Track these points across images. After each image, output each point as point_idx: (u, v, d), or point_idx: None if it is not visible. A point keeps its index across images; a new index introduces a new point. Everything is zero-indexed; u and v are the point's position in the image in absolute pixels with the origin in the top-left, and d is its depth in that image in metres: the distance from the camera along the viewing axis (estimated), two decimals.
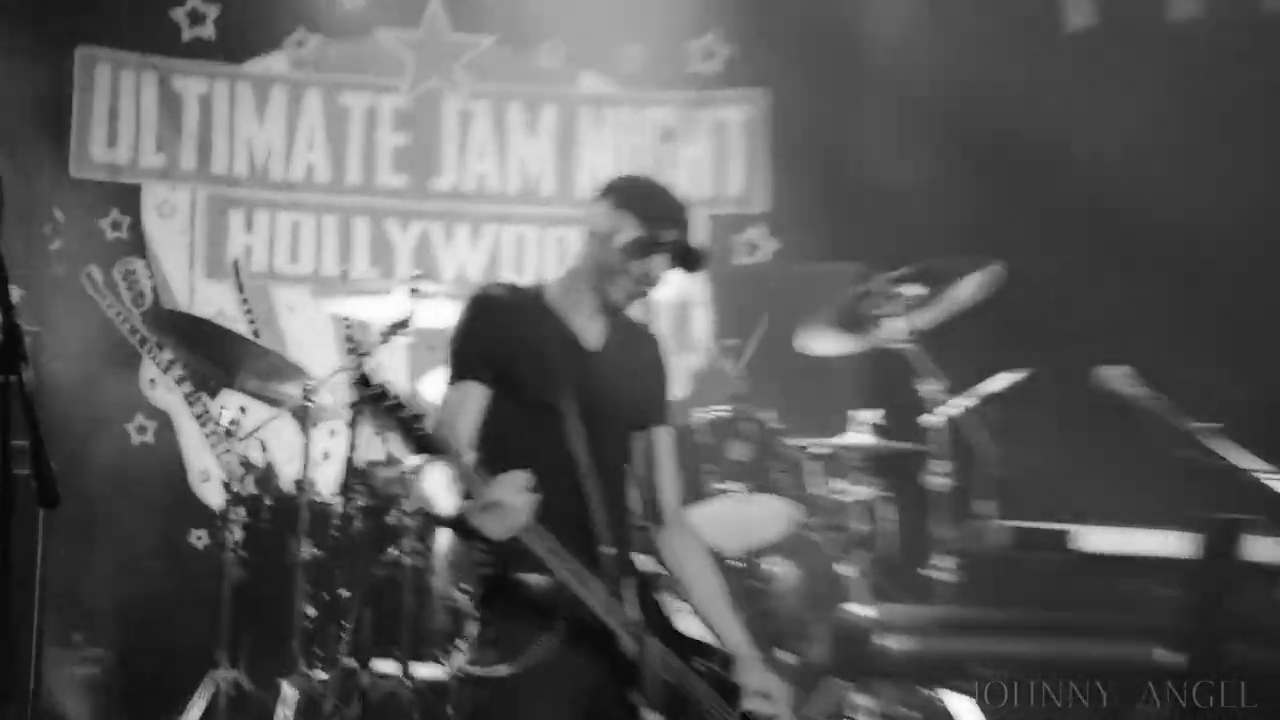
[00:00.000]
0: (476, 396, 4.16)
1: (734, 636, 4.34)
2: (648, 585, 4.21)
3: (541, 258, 8.84)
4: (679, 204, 4.28)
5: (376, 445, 6.94)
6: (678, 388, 7.44)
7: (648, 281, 4.25)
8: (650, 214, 4.22)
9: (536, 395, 4.16)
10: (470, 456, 3.88)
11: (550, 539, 3.94)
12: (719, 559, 6.07)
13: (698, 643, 4.29)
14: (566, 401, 4.16)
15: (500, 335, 4.19)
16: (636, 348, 4.40)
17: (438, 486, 3.96)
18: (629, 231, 4.22)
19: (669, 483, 4.44)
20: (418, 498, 6.72)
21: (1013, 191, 7.91)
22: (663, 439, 4.43)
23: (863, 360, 7.57)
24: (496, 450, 4.12)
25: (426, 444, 3.73)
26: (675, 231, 4.17)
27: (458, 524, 3.89)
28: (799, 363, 7.30)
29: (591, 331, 4.32)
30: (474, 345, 4.20)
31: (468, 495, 3.83)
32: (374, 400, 3.69)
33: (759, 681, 4.27)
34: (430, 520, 4.05)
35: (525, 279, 8.63)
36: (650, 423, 4.40)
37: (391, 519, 6.62)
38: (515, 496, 3.81)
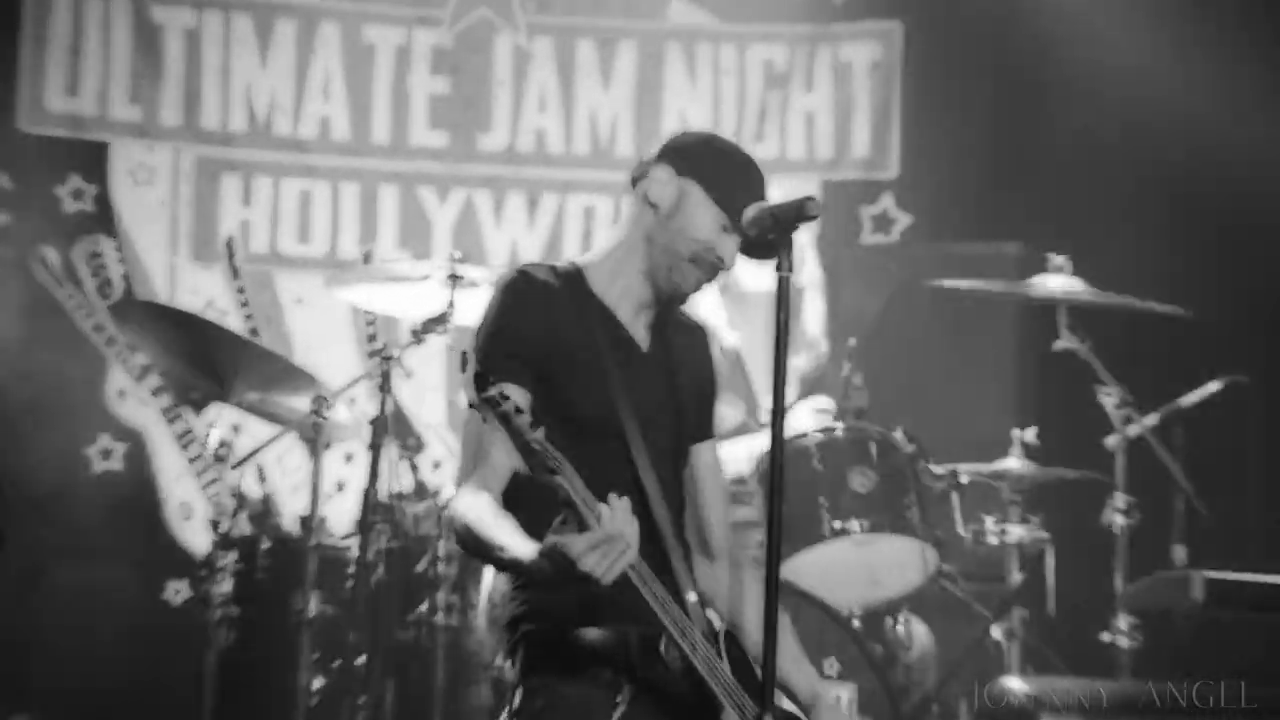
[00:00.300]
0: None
1: (806, 679, 4.36)
2: (735, 641, 4.20)
3: None
4: (758, 172, 4.26)
5: (404, 474, 6.94)
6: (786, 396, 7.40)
7: (717, 269, 4.24)
8: (724, 184, 4.21)
9: (588, 408, 4.16)
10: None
11: (656, 582, 3.94)
12: (833, 616, 6.08)
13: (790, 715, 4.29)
14: (626, 415, 4.15)
15: (539, 332, 4.18)
16: (688, 346, 4.43)
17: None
18: (698, 206, 4.21)
19: (719, 508, 4.47)
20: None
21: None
22: (710, 456, 4.47)
23: (1022, 365, 7.50)
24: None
25: (539, 458, 3.73)
26: (754, 208, 4.14)
27: (548, 561, 3.82)
28: (937, 368, 7.24)
29: (640, 327, 4.33)
30: (506, 344, 4.18)
31: (569, 525, 3.79)
32: (490, 404, 3.70)
33: None
34: (499, 562, 3.99)
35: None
36: (698, 437, 4.43)
37: (422, 567, 6.61)
38: (629, 527, 3.80)
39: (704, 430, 4.44)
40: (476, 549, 4.04)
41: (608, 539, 3.73)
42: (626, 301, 4.30)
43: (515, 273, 4.28)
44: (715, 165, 4.24)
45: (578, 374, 4.17)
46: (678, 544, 4.17)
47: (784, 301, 3.92)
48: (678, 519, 4.25)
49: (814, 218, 3.96)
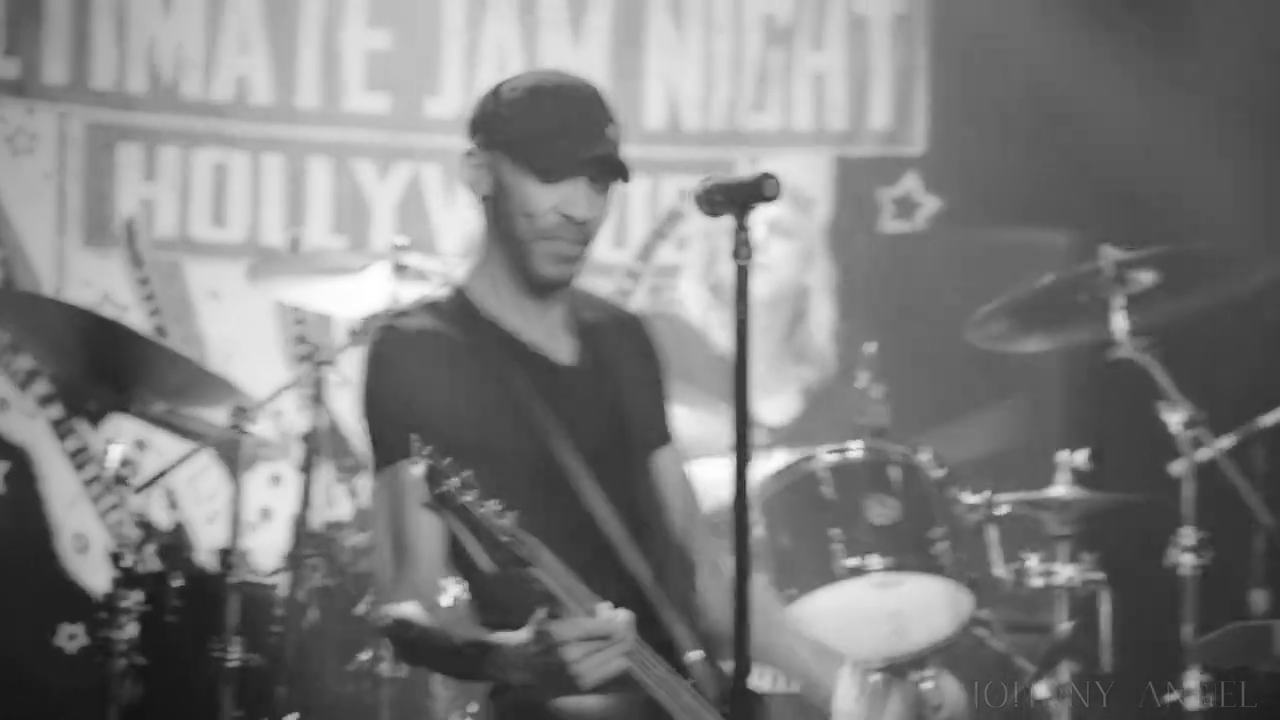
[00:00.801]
0: (419, 483, 4.10)
1: (817, 668, 4.56)
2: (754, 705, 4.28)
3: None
4: (572, 94, 4.32)
5: (341, 499, 7.01)
6: (785, 409, 7.49)
7: (578, 229, 4.27)
8: (528, 137, 4.25)
9: (515, 458, 4.22)
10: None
11: (659, 664, 4.04)
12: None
13: None
14: (560, 449, 4.23)
15: (427, 391, 4.24)
16: (619, 344, 4.50)
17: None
18: (513, 176, 4.26)
19: (691, 514, 4.57)
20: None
21: None
22: (671, 460, 4.56)
23: (1075, 377, 7.57)
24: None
25: (507, 551, 3.82)
26: (702, 183, 4.13)
27: (534, 645, 3.91)
28: (972, 380, 7.31)
29: (551, 336, 4.37)
30: (402, 413, 4.22)
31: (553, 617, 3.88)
32: (446, 502, 3.79)
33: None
34: (464, 661, 4.05)
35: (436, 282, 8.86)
36: (654, 443, 4.52)
37: (362, 608, 6.66)
38: (628, 632, 3.89)
39: (659, 434, 4.53)
40: (429, 654, 4.15)
41: (601, 634, 3.83)
42: (518, 314, 4.34)
43: (378, 331, 4.32)
44: (510, 120, 4.28)
45: (492, 422, 4.24)
46: (664, 591, 4.26)
47: (742, 295, 3.95)
48: (660, 562, 4.31)
49: (772, 199, 3.98)
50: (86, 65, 8.69)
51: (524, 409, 4.25)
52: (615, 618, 3.85)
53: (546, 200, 4.24)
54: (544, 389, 4.29)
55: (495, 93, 4.38)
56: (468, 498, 3.76)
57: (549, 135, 4.23)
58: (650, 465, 4.50)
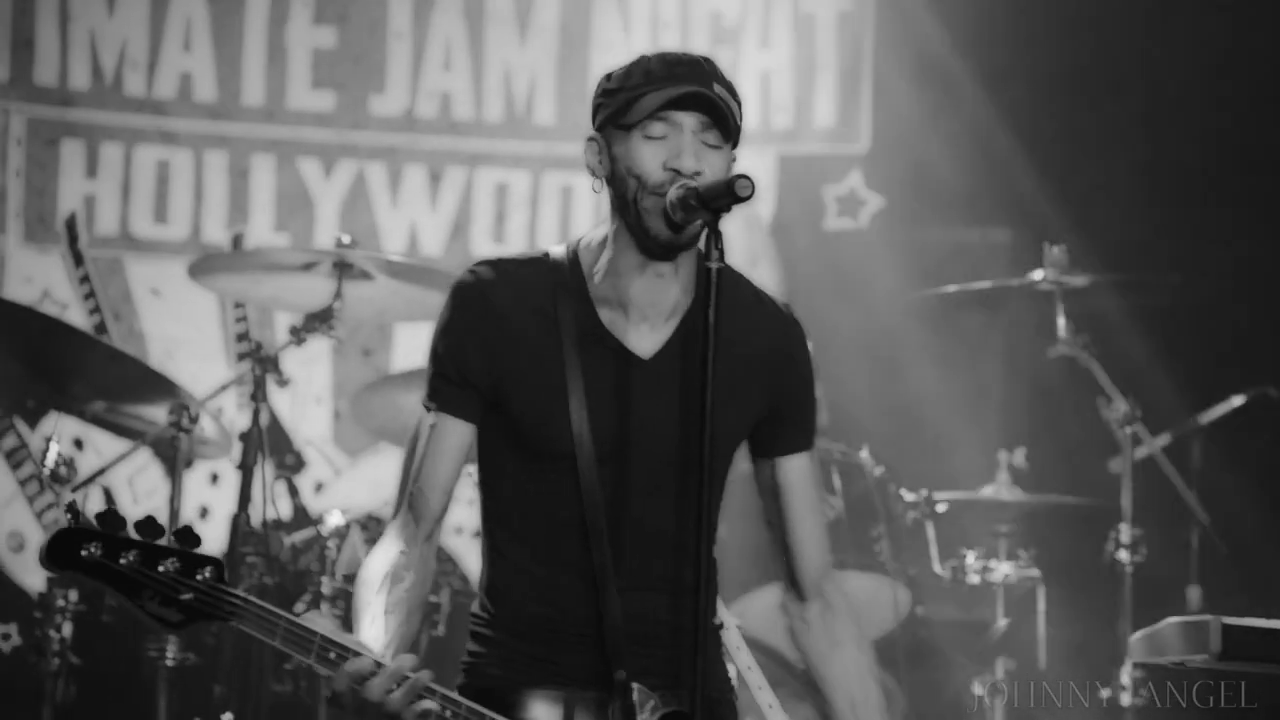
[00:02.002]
0: (454, 435, 4.23)
1: None
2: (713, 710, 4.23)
3: (535, 216, 8.90)
4: (683, 57, 4.19)
5: (281, 497, 7.00)
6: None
7: (684, 179, 4.12)
8: (633, 88, 4.15)
9: (538, 435, 4.21)
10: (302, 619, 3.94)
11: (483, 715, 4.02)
12: (787, 666, 6.16)
13: None
14: (581, 444, 4.21)
15: (491, 347, 4.22)
16: (749, 346, 4.34)
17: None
18: (619, 144, 4.16)
19: (812, 533, 4.46)
20: (347, 566, 6.79)
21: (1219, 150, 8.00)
22: (797, 471, 4.43)
23: (1011, 374, 7.59)
24: (496, 511, 4.25)
25: (202, 609, 3.80)
26: (675, 189, 4.11)
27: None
28: (913, 379, 7.33)
29: (640, 324, 4.30)
30: (449, 365, 4.24)
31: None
32: (91, 569, 3.74)
33: None
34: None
35: (501, 251, 8.85)
36: (778, 450, 4.43)
37: (302, 607, 6.66)
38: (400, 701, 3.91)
39: (787, 443, 4.41)
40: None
41: (340, 696, 3.83)
42: (614, 294, 4.24)
43: (466, 273, 4.28)
44: (616, 89, 4.18)
45: (537, 394, 4.20)
46: (642, 601, 4.18)
47: (712, 297, 3.98)
48: (654, 569, 4.22)
49: (746, 199, 3.94)
50: (28, 61, 8.67)
51: (564, 387, 4.19)
52: (392, 679, 3.85)
53: (653, 156, 4.14)
54: (599, 375, 4.23)
55: (601, 79, 4.30)
56: (124, 560, 3.73)
57: (643, 88, 4.15)
58: (778, 469, 4.41)
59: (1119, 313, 7.24)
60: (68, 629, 6.66)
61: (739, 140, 4.20)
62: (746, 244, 7.30)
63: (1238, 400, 7.13)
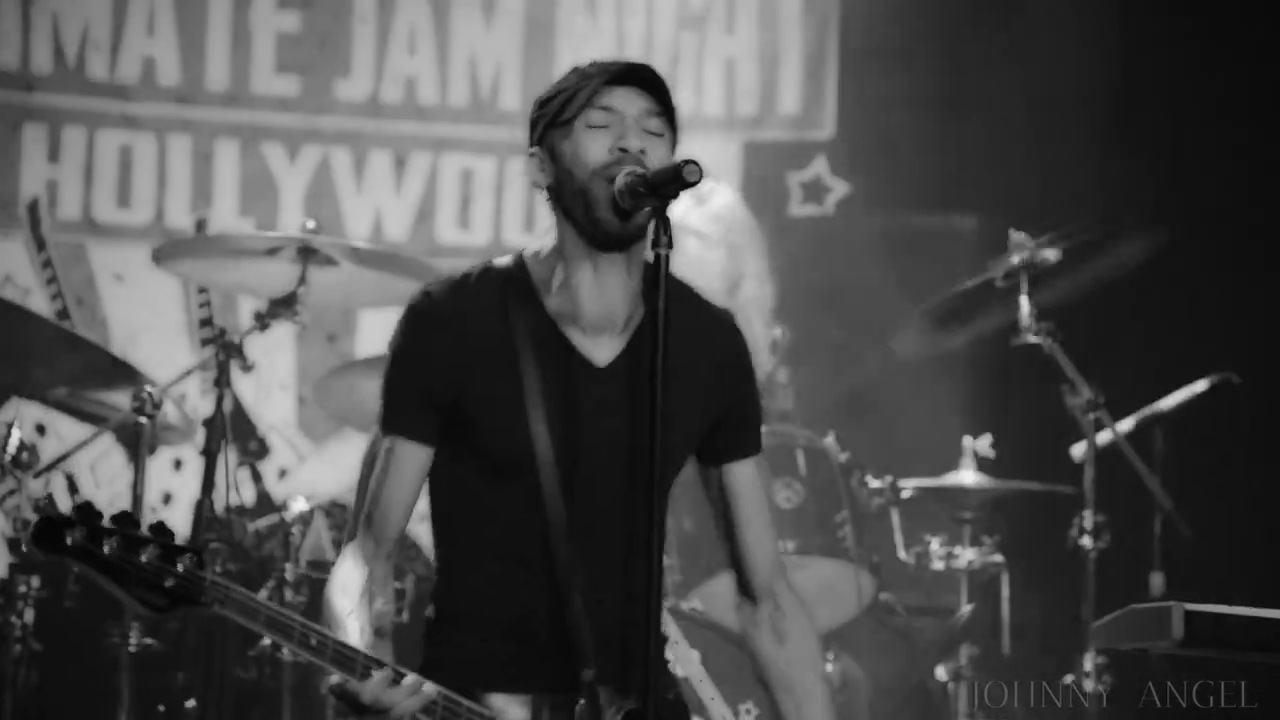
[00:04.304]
0: (411, 459, 4.26)
1: None
2: (668, 710, 4.28)
3: (500, 202, 8.91)
4: (603, 60, 4.27)
5: (245, 484, 6.99)
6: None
7: (630, 161, 4.15)
8: (571, 87, 4.22)
9: (495, 446, 4.24)
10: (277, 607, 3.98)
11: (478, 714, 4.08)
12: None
13: None
14: (541, 452, 4.22)
15: (445, 370, 4.24)
16: (696, 351, 4.34)
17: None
18: (563, 141, 4.21)
19: (760, 538, 4.50)
20: (311, 552, 6.79)
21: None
22: (743, 476, 4.48)
23: (979, 363, 7.60)
24: (453, 521, 4.30)
25: (185, 594, 3.83)
26: (624, 175, 4.08)
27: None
28: (879, 364, 7.34)
29: (595, 332, 4.31)
30: (407, 391, 4.28)
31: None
32: (77, 554, 3.74)
33: None
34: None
35: (466, 237, 8.86)
36: (724, 456, 4.46)
37: (265, 593, 6.62)
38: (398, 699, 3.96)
39: (736, 448, 4.45)
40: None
41: (356, 695, 3.90)
42: (568, 303, 4.26)
43: (418, 296, 4.30)
44: (554, 94, 4.24)
45: (493, 409, 4.23)
46: (600, 604, 4.22)
47: (663, 283, 3.99)
48: (616, 575, 4.24)
49: (694, 184, 3.97)
50: None
51: (521, 403, 4.22)
52: (385, 681, 3.93)
53: (598, 141, 4.18)
54: (557, 384, 4.25)
55: (539, 96, 4.35)
56: (107, 547, 3.74)
57: (584, 79, 4.20)
58: (725, 475, 4.45)
59: (1082, 298, 7.22)
60: (30, 615, 6.64)
61: (678, 136, 4.24)
62: (750, 226, 7.29)
63: (1201, 386, 7.15)
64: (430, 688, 3.96)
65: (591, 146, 4.18)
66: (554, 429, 4.21)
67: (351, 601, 4.13)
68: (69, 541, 3.71)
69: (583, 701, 4.17)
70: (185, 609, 3.83)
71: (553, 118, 4.23)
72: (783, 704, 4.47)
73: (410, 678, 3.94)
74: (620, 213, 4.12)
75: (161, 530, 3.78)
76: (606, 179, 4.14)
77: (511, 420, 4.21)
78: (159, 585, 3.77)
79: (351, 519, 4.30)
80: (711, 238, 7.13)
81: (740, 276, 7.27)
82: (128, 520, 3.76)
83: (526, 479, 4.21)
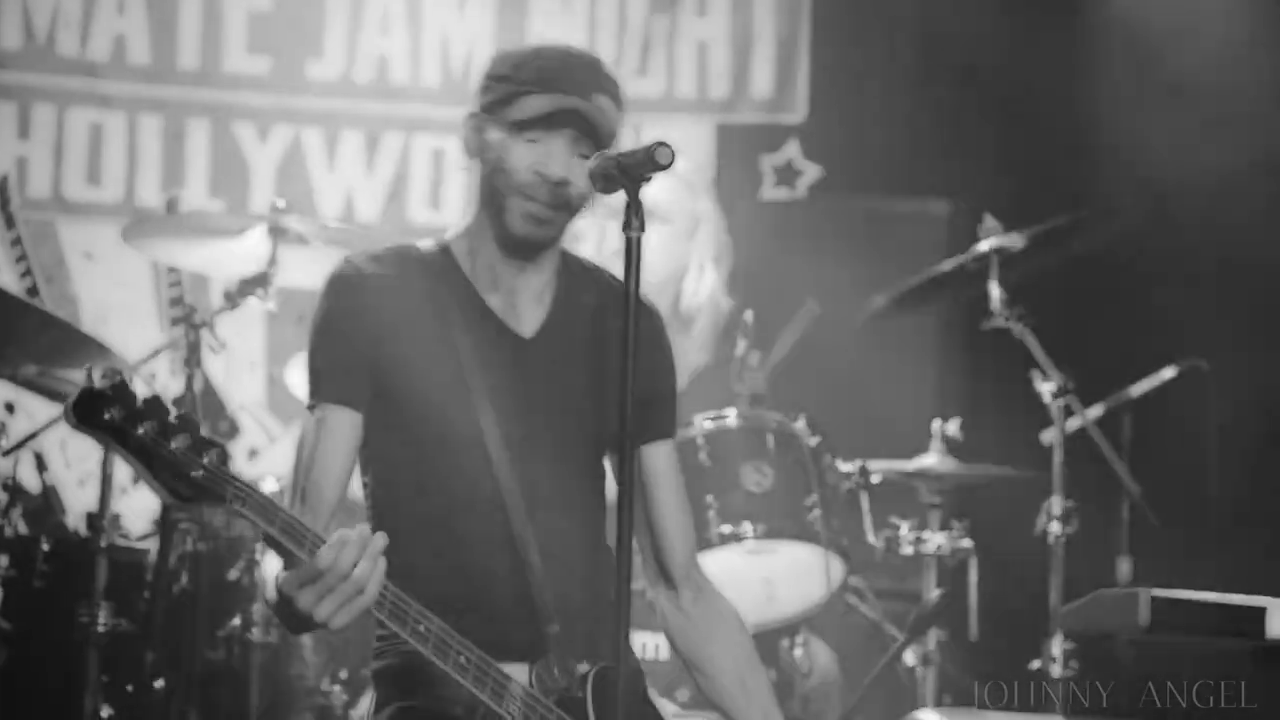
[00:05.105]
0: (344, 427, 4.27)
1: None
2: (630, 680, 4.27)
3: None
4: (568, 60, 4.33)
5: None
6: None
7: (549, 187, 4.25)
8: (514, 86, 4.29)
9: (434, 416, 4.27)
10: (286, 509, 3.95)
11: (428, 619, 4.04)
12: None
13: None
14: (485, 419, 4.25)
15: (373, 332, 4.28)
16: (607, 325, 4.42)
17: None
18: (498, 137, 4.29)
19: (676, 522, 4.54)
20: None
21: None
22: (657, 459, 4.52)
23: (949, 347, 7.62)
24: (394, 499, 4.30)
25: (201, 489, 3.83)
26: (597, 158, 4.15)
27: (280, 607, 3.97)
28: (850, 349, 7.36)
29: (520, 306, 4.38)
30: (336, 352, 4.30)
31: (287, 563, 3.92)
32: (112, 432, 3.75)
33: None
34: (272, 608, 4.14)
35: (438, 217, 8.86)
36: (642, 438, 4.47)
37: (234, 574, 6.70)
38: (357, 564, 3.90)
39: (650, 429, 4.47)
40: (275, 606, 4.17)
41: (318, 575, 3.85)
42: (490, 277, 4.35)
43: (341, 264, 4.35)
44: (499, 79, 4.31)
45: (428, 378, 4.27)
46: (556, 567, 4.25)
47: (634, 267, 3.98)
48: (567, 538, 4.30)
49: (666, 166, 3.95)
50: None
51: (460, 372, 4.27)
52: (341, 550, 3.86)
53: (524, 157, 4.25)
54: (490, 358, 4.30)
55: (494, 58, 4.40)
56: (141, 429, 3.75)
57: (530, 87, 4.26)
58: (640, 457, 4.46)
59: (1052, 284, 7.25)
60: None
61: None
62: (690, 208, 7.29)
63: (1169, 373, 7.19)
64: (378, 540, 3.90)
65: (518, 160, 4.27)
66: (495, 399, 4.26)
67: None
68: (106, 417, 3.71)
69: (550, 656, 4.20)
70: (208, 502, 3.80)
71: (495, 103, 4.28)
72: (726, 685, 4.49)
73: (352, 532, 3.89)
74: (538, 223, 4.27)
75: (190, 421, 3.77)
76: (523, 197, 4.23)
77: (449, 393, 4.26)
78: (185, 475, 3.76)
79: (289, 497, 4.27)
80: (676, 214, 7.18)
81: (685, 261, 7.28)
82: (160, 406, 3.75)
83: (472, 449, 4.24)
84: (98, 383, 3.73)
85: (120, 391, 3.73)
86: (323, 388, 4.28)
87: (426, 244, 4.41)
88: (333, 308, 4.31)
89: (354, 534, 3.88)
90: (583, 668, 4.17)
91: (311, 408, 4.30)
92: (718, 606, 4.55)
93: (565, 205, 4.28)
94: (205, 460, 3.77)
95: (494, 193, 4.29)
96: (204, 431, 3.79)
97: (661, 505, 4.50)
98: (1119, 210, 7.27)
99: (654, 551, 4.51)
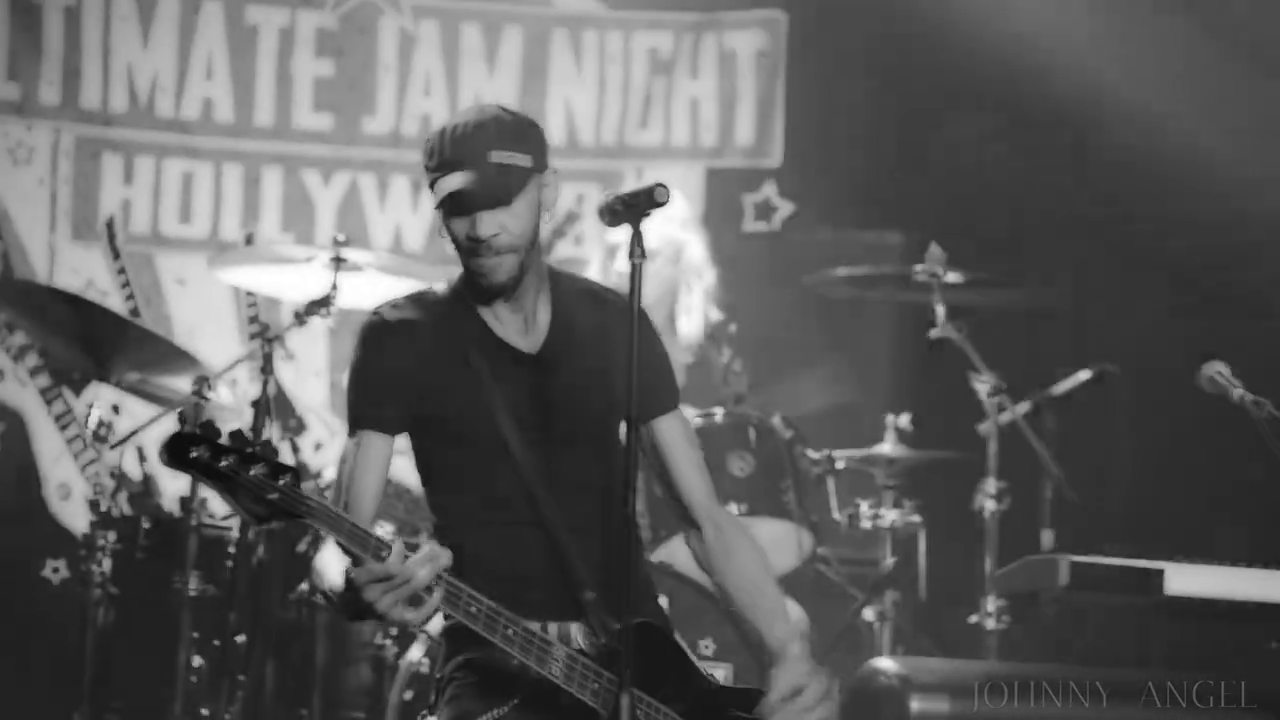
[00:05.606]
0: (376, 450, 4.32)
1: (778, 630, 4.46)
2: (658, 632, 4.32)
3: None
4: (462, 133, 4.28)
5: (286, 455, 6.98)
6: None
7: (486, 245, 4.25)
8: (429, 162, 4.30)
9: (465, 428, 4.31)
10: (355, 518, 3.97)
11: (478, 601, 4.06)
12: (708, 598, 6.19)
13: (735, 691, 4.43)
14: (506, 426, 4.29)
15: (401, 368, 4.32)
16: (603, 330, 4.46)
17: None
18: (436, 207, 4.32)
19: (691, 476, 4.56)
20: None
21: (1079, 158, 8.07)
22: (667, 429, 4.54)
23: (900, 353, 7.62)
24: (444, 496, 4.37)
25: (279, 509, 3.84)
26: (604, 196, 4.14)
27: (345, 595, 3.98)
28: (816, 355, 7.35)
29: (522, 328, 4.41)
30: (369, 390, 4.35)
31: (355, 561, 3.95)
32: (199, 468, 3.77)
33: (788, 682, 4.36)
34: (330, 603, 4.15)
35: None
36: (646, 415, 4.51)
37: (302, 547, 6.70)
38: (419, 570, 3.94)
39: (658, 404, 4.50)
40: (321, 594, 4.19)
41: (388, 575, 3.88)
42: (492, 311, 4.38)
43: (369, 316, 4.39)
44: (423, 166, 4.32)
45: (456, 399, 4.31)
46: (587, 541, 4.30)
47: (636, 288, 4.02)
48: (593, 517, 4.33)
49: (663, 204, 4.01)
50: (76, 88, 8.64)
51: (480, 391, 4.30)
52: (404, 563, 3.90)
53: (460, 229, 4.27)
54: (504, 375, 4.33)
55: (429, 138, 4.36)
56: (224, 463, 3.77)
57: (436, 172, 4.27)
58: (653, 430, 4.50)
59: (986, 302, 7.28)
60: (108, 564, 6.72)
61: (546, 168, 4.32)
62: (672, 237, 7.28)
63: (1084, 375, 7.20)
64: (442, 554, 3.95)
65: (455, 230, 4.29)
66: (514, 409, 4.30)
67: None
68: (193, 455, 3.74)
69: (587, 618, 4.24)
70: (284, 520, 3.83)
71: (429, 182, 4.30)
72: (741, 605, 4.50)
73: (425, 548, 3.94)
74: (492, 273, 4.27)
75: (268, 450, 3.80)
76: (473, 258, 4.27)
77: (478, 406, 4.29)
78: (263, 498, 3.79)
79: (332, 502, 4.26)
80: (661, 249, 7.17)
81: (674, 282, 7.26)
82: (241, 439, 3.78)
83: (500, 452, 4.28)
84: (185, 426, 3.77)
85: (207, 431, 3.76)
86: (360, 419, 4.33)
87: (440, 287, 4.44)
88: (363, 354, 4.35)
89: (425, 549, 3.94)
90: (618, 626, 4.15)
91: (350, 435, 4.34)
92: (735, 535, 4.56)
93: (509, 250, 4.27)
94: (280, 483, 3.81)
95: (460, 257, 4.32)
96: (281, 458, 3.81)
97: (677, 463, 4.53)
98: (1051, 282, 7.28)
99: (677, 502, 4.55)
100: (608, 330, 4.43)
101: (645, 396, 4.39)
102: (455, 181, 4.22)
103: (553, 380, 4.38)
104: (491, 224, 4.23)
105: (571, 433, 4.38)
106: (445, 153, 4.25)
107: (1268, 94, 7.60)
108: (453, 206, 4.24)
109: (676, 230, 7.26)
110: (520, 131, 4.31)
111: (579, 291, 4.54)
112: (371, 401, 4.33)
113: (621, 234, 4.28)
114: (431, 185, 4.28)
